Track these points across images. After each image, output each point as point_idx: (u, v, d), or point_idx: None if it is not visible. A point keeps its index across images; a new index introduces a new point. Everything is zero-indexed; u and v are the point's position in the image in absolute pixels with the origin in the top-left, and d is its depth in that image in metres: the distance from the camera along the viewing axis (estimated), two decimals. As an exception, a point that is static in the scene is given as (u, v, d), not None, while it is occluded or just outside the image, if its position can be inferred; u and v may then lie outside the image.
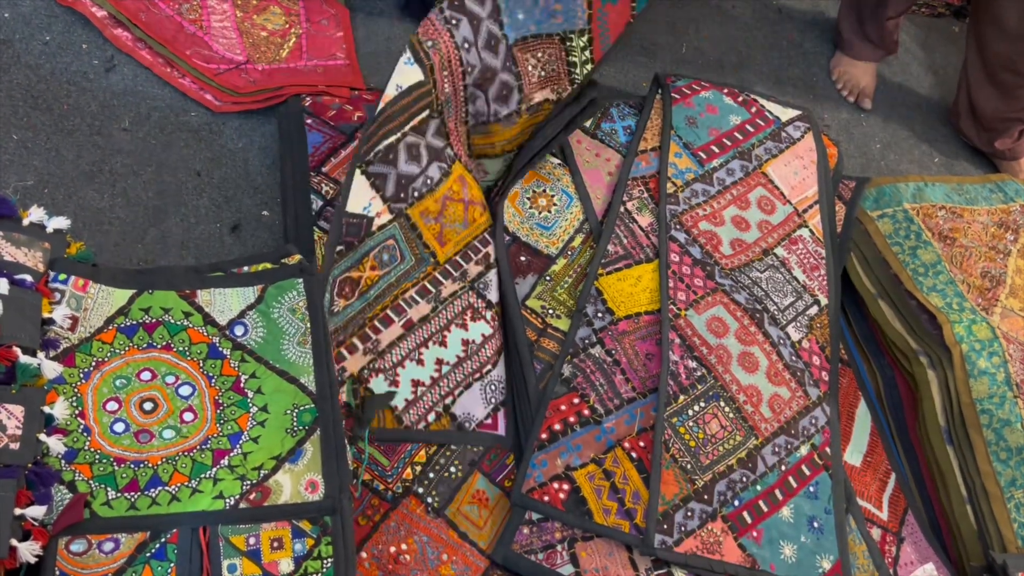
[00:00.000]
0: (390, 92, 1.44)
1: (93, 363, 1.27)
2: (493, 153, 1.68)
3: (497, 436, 1.47)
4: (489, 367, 1.49)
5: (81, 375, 1.26)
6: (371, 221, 1.46)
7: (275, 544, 1.18)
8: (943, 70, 2.46)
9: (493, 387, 1.49)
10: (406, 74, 1.45)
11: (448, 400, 1.46)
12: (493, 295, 1.55)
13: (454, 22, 1.48)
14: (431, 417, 1.44)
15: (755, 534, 1.46)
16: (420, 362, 1.47)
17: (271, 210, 1.63)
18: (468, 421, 1.45)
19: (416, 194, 1.52)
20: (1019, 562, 1.50)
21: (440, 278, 1.54)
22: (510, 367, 1.53)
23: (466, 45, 1.51)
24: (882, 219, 1.87)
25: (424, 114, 1.49)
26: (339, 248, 1.41)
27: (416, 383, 1.45)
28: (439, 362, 1.48)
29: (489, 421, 1.47)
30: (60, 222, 1.37)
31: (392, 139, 1.46)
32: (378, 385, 1.43)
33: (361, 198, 1.44)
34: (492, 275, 1.57)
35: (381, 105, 1.42)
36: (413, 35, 1.46)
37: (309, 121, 1.66)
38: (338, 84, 1.75)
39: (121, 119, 1.64)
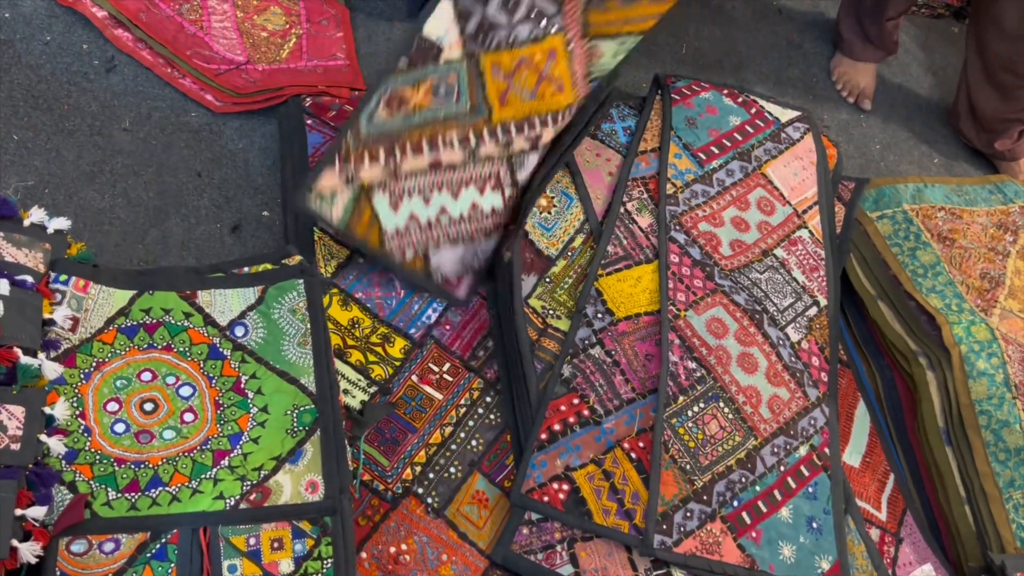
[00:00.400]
0: None
1: (94, 364, 1.27)
2: (609, 33, 1.60)
3: (455, 296, 1.51)
4: (482, 238, 1.48)
5: (82, 376, 1.26)
6: (440, 51, 1.45)
7: (275, 544, 1.18)
8: (943, 71, 2.46)
9: (476, 256, 1.47)
10: None
11: (431, 246, 1.46)
12: (522, 176, 1.52)
13: None
14: (409, 253, 1.45)
15: (754, 534, 1.47)
16: (427, 201, 1.47)
17: (271, 211, 1.64)
18: (437, 272, 1.45)
19: (494, 43, 1.48)
20: (1017, 563, 1.50)
21: (485, 135, 1.51)
22: (509, 368, 1.53)
23: None
24: (881, 220, 1.87)
25: None
26: (403, 61, 1.41)
27: (413, 217, 1.46)
28: (443, 210, 1.48)
29: (454, 281, 1.47)
30: (61, 223, 1.37)
31: None
32: (379, 203, 1.41)
33: (440, 24, 1.44)
34: (532, 157, 1.52)
35: None
36: None
37: (309, 122, 1.66)
38: (338, 84, 1.75)
39: (122, 119, 1.64)
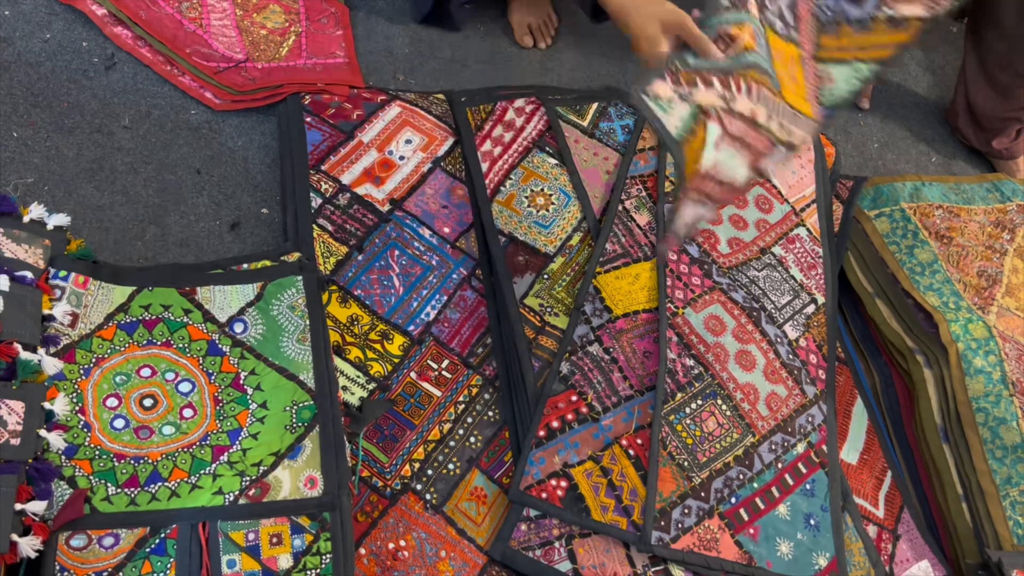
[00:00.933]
0: None
1: (93, 359, 1.28)
2: (843, 59, 1.51)
3: (662, 247, 1.49)
4: (719, 201, 1.40)
5: (81, 371, 1.26)
6: (746, 2, 1.40)
7: (274, 540, 1.19)
8: (941, 70, 2.47)
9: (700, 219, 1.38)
10: None
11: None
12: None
13: None
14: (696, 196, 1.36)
15: (752, 531, 1.47)
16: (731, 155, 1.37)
17: (270, 208, 1.64)
18: (681, 221, 1.37)
19: (767, 19, 1.44)
20: (1014, 559, 1.51)
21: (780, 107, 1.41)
22: (508, 365, 1.53)
23: None
24: (879, 218, 1.87)
25: None
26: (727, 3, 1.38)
27: (717, 164, 1.36)
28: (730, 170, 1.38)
29: (677, 236, 1.41)
30: (61, 219, 1.37)
31: None
32: (711, 130, 1.31)
33: None
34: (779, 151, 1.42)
35: None
36: None
37: (309, 119, 1.66)
38: (337, 82, 1.75)
39: (121, 117, 1.65)
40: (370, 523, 1.35)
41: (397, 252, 1.59)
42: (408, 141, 1.70)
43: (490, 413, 1.50)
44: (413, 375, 1.49)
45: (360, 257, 1.56)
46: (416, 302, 1.56)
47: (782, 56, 1.43)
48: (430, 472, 1.41)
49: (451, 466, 1.43)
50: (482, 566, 1.36)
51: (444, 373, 1.51)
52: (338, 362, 1.44)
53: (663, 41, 1.37)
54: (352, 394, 1.43)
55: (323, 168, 1.61)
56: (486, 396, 1.51)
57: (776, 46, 1.43)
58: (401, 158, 1.68)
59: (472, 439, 1.47)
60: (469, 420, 1.48)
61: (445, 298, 1.58)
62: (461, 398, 1.50)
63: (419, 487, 1.40)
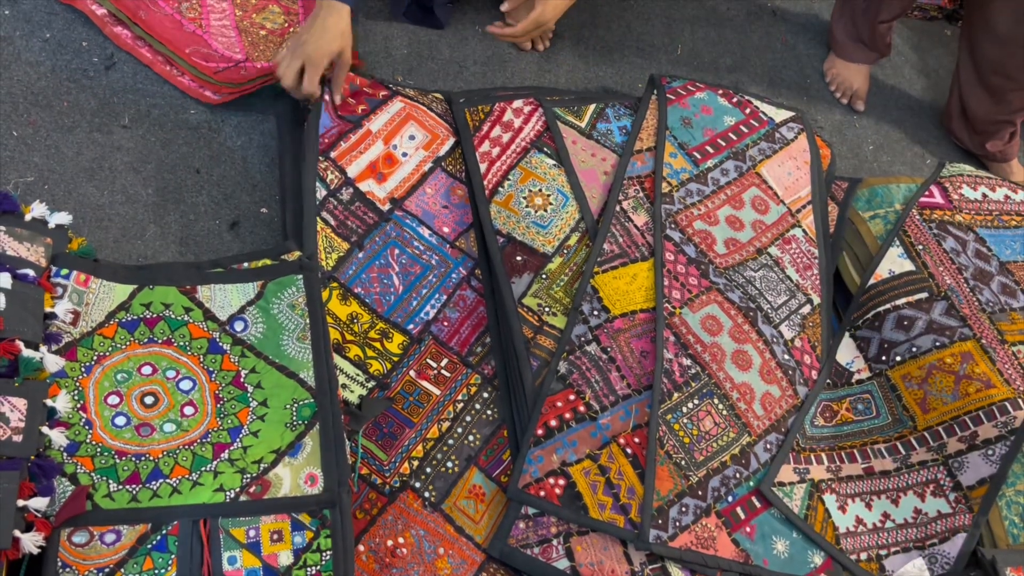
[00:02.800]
0: (882, 272, 1.76)
1: (94, 357, 1.28)
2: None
3: None
4: (935, 541, 1.54)
5: (83, 369, 1.27)
6: (851, 375, 1.69)
7: (275, 536, 1.19)
8: (935, 73, 2.49)
9: (934, 560, 1.53)
10: (897, 263, 1.77)
11: (883, 551, 1.53)
12: (968, 478, 1.57)
13: (940, 235, 1.80)
14: (863, 556, 1.52)
15: (748, 529, 1.48)
16: (868, 507, 1.58)
17: (270, 207, 1.65)
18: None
19: (898, 358, 1.67)
20: (1008, 557, 1.52)
21: (914, 443, 1.61)
22: (507, 364, 1.54)
23: (955, 252, 1.80)
24: (873, 220, 1.89)
25: (923, 295, 1.72)
26: (828, 382, 1.68)
27: (860, 521, 1.56)
28: (885, 516, 1.57)
29: None
30: (62, 218, 1.38)
31: (880, 309, 1.71)
32: (828, 502, 1.55)
33: (846, 355, 1.71)
34: (974, 456, 1.58)
35: (872, 280, 1.76)
36: (904, 233, 1.79)
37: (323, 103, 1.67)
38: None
39: (121, 116, 1.65)
40: (369, 520, 1.36)
41: (397, 251, 1.60)
42: (412, 137, 1.71)
43: (489, 412, 1.51)
44: (412, 373, 1.50)
45: (360, 255, 1.56)
46: (416, 301, 1.56)
47: (922, 378, 1.65)
48: (428, 470, 1.42)
49: (449, 464, 1.44)
50: (480, 563, 1.37)
51: (443, 372, 1.52)
52: (338, 360, 1.45)
53: None
54: (351, 392, 1.44)
55: (332, 155, 1.62)
56: (485, 395, 1.52)
57: (911, 374, 1.66)
58: (404, 155, 1.69)
59: (471, 437, 1.48)
60: (468, 419, 1.49)
61: (445, 297, 1.59)
62: (460, 397, 1.51)
63: (418, 485, 1.41)
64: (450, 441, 1.46)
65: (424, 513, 1.39)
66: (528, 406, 1.48)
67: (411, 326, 1.54)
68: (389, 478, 1.40)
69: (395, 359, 1.50)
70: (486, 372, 1.54)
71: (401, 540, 1.35)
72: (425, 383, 1.50)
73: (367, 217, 1.60)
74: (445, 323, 1.56)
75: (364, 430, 1.42)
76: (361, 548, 1.32)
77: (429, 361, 1.52)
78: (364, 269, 1.56)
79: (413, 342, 1.53)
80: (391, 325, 1.53)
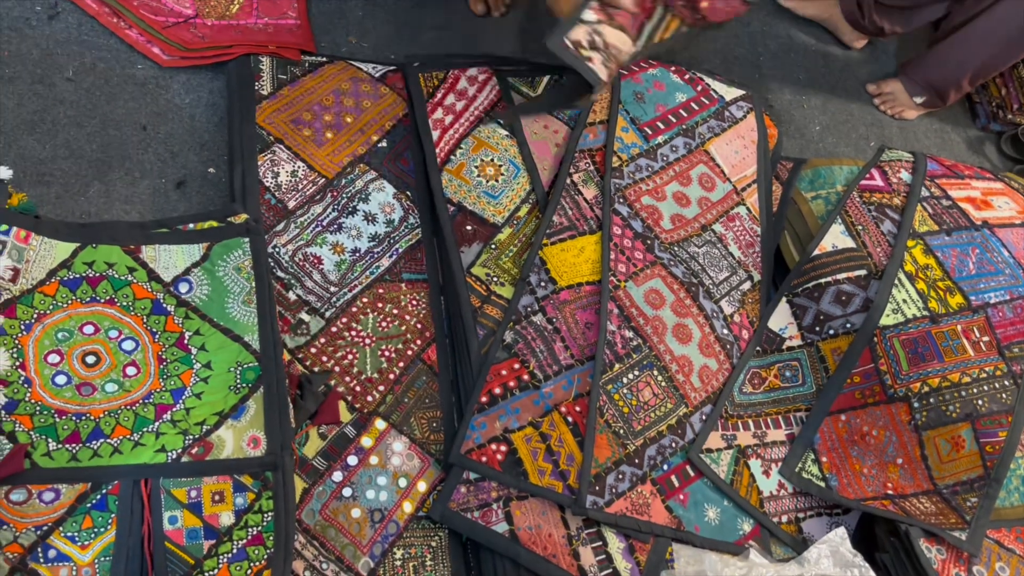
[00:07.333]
0: (826, 245, 1.80)
1: (35, 315, 1.27)
2: None
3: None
4: (840, 511, 1.68)
5: (22, 327, 1.25)
6: (783, 340, 1.74)
7: (216, 497, 1.20)
8: (884, 55, 2.54)
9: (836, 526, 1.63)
10: (840, 239, 1.81)
11: (800, 515, 1.63)
12: None
13: (878, 217, 1.87)
14: (784, 518, 1.61)
15: (682, 497, 1.54)
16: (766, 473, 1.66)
17: (217, 167, 1.63)
18: (810, 539, 1.60)
19: (831, 332, 1.72)
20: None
21: None
22: (454, 333, 1.56)
23: (891, 235, 1.83)
24: (815, 200, 1.94)
25: (861, 272, 1.75)
26: (757, 349, 1.72)
27: (782, 486, 1.64)
28: (781, 486, 1.66)
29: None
30: (2, 172, 1.35)
31: (821, 281, 1.75)
32: (754, 467, 1.62)
33: (780, 320, 1.75)
34: None
35: (817, 251, 1.79)
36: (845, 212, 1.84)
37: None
38: (288, 45, 1.74)
39: (65, 69, 1.61)
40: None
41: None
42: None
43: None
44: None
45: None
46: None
47: None
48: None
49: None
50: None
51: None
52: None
53: None
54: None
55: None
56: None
57: (841, 348, 1.73)
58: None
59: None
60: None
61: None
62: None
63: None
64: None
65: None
66: (473, 374, 1.50)
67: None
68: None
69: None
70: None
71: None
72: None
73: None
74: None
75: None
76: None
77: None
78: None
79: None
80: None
